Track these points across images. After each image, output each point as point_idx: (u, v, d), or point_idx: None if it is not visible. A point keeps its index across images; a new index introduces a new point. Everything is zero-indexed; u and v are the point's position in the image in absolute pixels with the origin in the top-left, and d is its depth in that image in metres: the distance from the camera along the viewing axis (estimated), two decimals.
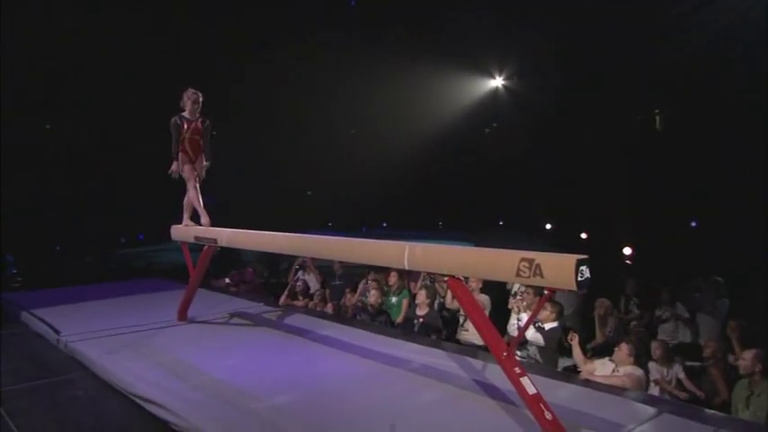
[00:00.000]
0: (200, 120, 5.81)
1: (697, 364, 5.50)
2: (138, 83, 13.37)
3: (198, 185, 5.87)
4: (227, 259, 9.65)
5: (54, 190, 13.95)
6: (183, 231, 5.99)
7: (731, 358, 5.29)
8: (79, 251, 13.96)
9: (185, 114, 5.74)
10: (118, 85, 13.35)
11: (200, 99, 5.72)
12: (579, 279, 2.81)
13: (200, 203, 5.84)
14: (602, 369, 4.83)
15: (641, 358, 5.03)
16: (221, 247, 5.66)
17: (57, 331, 5.60)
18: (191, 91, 5.71)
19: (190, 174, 5.84)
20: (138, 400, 4.00)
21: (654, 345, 5.28)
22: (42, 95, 12.08)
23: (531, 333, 5.28)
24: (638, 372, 4.69)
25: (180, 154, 5.78)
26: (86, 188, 14.56)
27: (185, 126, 5.74)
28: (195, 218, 5.97)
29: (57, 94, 12.73)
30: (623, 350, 4.75)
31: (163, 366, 4.54)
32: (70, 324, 5.78)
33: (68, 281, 8.71)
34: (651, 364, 5.14)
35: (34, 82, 11.33)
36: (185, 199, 5.98)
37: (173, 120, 5.74)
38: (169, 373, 4.36)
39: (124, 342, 5.24)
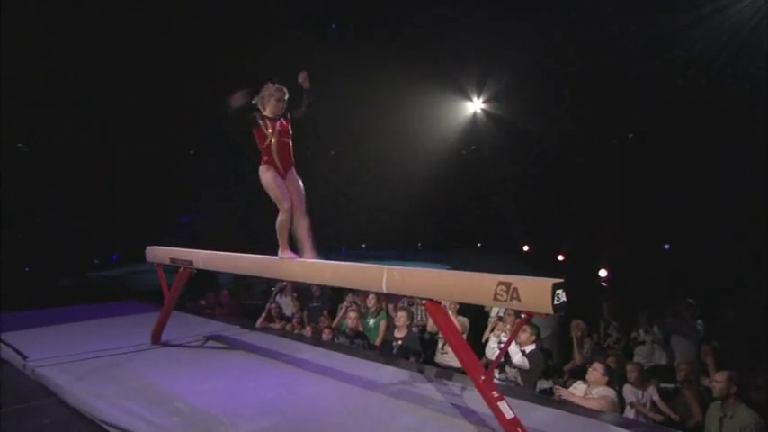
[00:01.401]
0: (285, 118, 4.53)
1: (671, 386, 5.56)
2: (110, 105, 13.23)
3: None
4: (204, 281, 9.51)
5: (23, 210, 13.63)
6: (159, 253, 5.90)
7: (705, 380, 5.37)
8: (50, 272, 13.63)
9: (267, 114, 4.48)
10: (90, 106, 13.17)
11: (287, 97, 4.49)
12: (555, 303, 2.86)
13: (285, 233, 4.51)
14: (575, 391, 4.86)
15: (614, 378, 5.09)
16: (197, 269, 5.59)
17: (23, 356, 5.42)
18: (273, 87, 4.46)
19: (279, 190, 4.44)
20: (109, 428, 3.88)
21: (629, 367, 5.34)
22: (12, 114, 11.82)
23: (518, 358, 5.32)
24: (612, 393, 4.74)
25: (263, 166, 4.48)
26: (58, 208, 14.26)
27: (269, 127, 4.44)
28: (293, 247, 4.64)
29: (27, 112, 12.50)
30: (597, 370, 4.81)
31: (135, 392, 4.42)
32: (38, 348, 5.60)
33: (38, 303, 8.47)
34: (626, 387, 5.19)
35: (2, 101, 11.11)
36: (278, 222, 4.53)
37: (251, 116, 4.45)
38: (142, 399, 4.25)
39: (95, 367, 5.10)
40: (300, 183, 4.61)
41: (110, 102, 13.19)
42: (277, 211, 4.52)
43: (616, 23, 11.19)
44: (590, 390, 4.79)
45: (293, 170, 4.59)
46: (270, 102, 4.45)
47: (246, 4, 12.51)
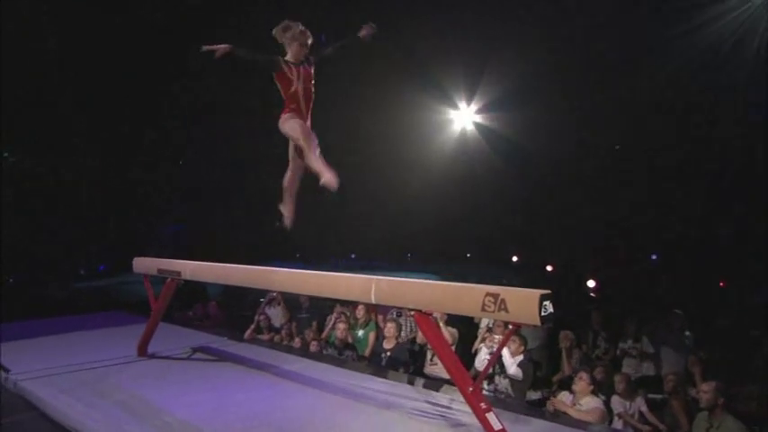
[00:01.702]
0: (308, 62, 4.26)
1: (659, 396, 5.58)
2: (95, 112, 13.15)
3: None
4: (192, 292, 9.44)
5: (7, 219, 13.46)
6: (147, 264, 5.85)
7: (693, 391, 5.39)
8: (35, 283, 13.45)
9: (289, 59, 4.20)
10: (74, 112, 13.08)
11: (310, 42, 4.24)
12: (543, 314, 2.87)
13: (321, 161, 4.09)
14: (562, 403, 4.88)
15: (602, 387, 5.10)
16: (185, 280, 5.54)
17: (5, 369, 5.31)
18: (297, 29, 4.18)
19: (307, 135, 4.14)
20: None
21: (617, 378, 5.36)
22: None
23: (513, 369, 5.33)
24: (601, 405, 4.75)
25: (288, 114, 4.22)
26: (43, 217, 14.11)
27: (292, 71, 4.16)
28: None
29: (12, 121, 12.38)
30: (583, 380, 4.82)
31: (121, 405, 4.36)
32: (21, 361, 5.50)
33: (22, 314, 8.35)
34: (614, 398, 5.20)
35: None
36: (287, 176, 4.45)
37: (274, 58, 4.16)
38: (127, 413, 4.19)
39: (79, 380, 5.02)
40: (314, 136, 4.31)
41: (97, 111, 13.14)
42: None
43: (604, 36, 11.35)
44: (577, 399, 4.80)
45: (309, 120, 4.35)
46: (292, 46, 4.19)
47: (234, 14, 12.53)
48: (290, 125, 4.20)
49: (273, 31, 4.25)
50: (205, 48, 4.09)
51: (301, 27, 4.20)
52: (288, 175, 4.46)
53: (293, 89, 4.17)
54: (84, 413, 4.16)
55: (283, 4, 12.87)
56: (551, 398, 4.99)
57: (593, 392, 4.82)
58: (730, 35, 10.35)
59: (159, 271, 5.64)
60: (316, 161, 4.10)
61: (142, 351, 5.92)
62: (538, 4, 11.60)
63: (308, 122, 4.31)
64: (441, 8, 12.47)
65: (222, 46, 4.05)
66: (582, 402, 4.72)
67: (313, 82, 4.30)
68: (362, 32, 4.33)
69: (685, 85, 11.19)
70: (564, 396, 4.95)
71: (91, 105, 12.89)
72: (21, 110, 12.05)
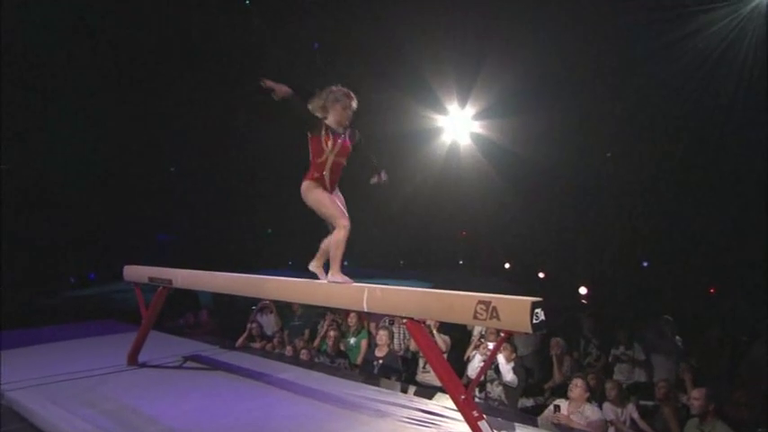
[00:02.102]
0: (348, 133, 3.98)
1: (651, 403, 5.61)
2: (85, 117, 13.09)
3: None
4: (184, 300, 9.38)
5: None
6: (137, 272, 5.82)
7: (683, 397, 5.42)
8: (24, 291, 13.32)
9: (330, 123, 3.93)
10: (63, 119, 13.02)
11: (355, 105, 3.95)
12: (534, 321, 2.88)
13: (341, 253, 3.92)
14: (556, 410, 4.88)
15: (593, 394, 5.12)
16: (176, 288, 5.51)
17: None
18: (340, 91, 3.90)
19: (333, 206, 3.90)
20: None
21: (608, 385, 5.38)
22: None
23: (510, 376, 5.34)
24: (599, 415, 4.74)
25: (310, 182, 3.93)
26: (32, 224, 13.97)
27: (330, 141, 3.87)
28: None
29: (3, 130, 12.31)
30: (579, 386, 4.82)
31: (110, 415, 4.32)
32: (9, 371, 5.44)
33: (10, 324, 8.25)
34: (606, 405, 5.22)
35: None
36: (335, 241, 3.92)
37: (317, 120, 3.87)
38: (117, 423, 4.15)
39: (68, 390, 4.97)
40: (342, 198, 4.07)
41: (88, 119, 13.09)
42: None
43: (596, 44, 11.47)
44: (573, 407, 4.80)
45: (337, 188, 4.06)
46: (335, 108, 3.88)
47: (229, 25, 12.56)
48: (315, 196, 3.92)
49: (310, 104, 3.91)
50: (266, 84, 3.78)
51: (345, 89, 3.92)
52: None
53: (323, 159, 3.88)
54: (72, 424, 4.12)
55: (279, 16, 13.01)
56: (555, 412, 4.95)
57: (589, 400, 4.82)
58: (720, 43, 10.52)
59: (150, 279, 5.61)
60: (338, 245, 3.85)
61: (132, 360, 5.87)
62: (530, 9, 11.68)
63: (336, 192, 4.02)
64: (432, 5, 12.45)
65: (283, 88, 3.76)
66: (580, 410, 4.71)
67: (347, 156, 3.98)
68: (374, 180, 4.20)
69: (677, 92, 11.32)
70: (560, 403, 4.95)
71: (82, 111, 12.84)
72: (9, 116, 11.97)
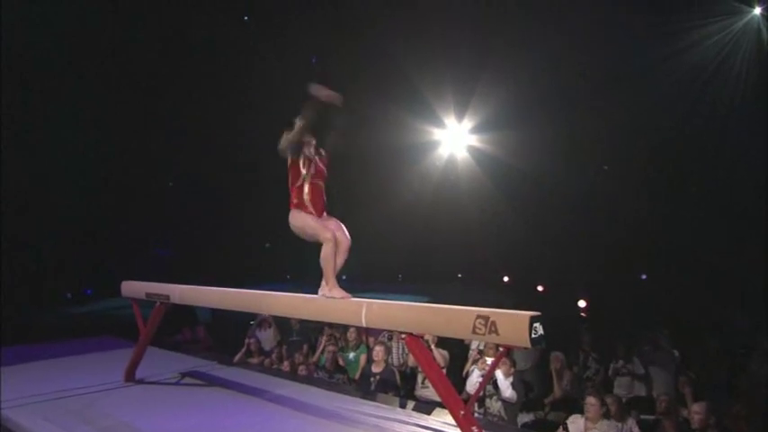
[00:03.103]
0: (324, 156, 4.08)
1: (651, 417, 5.57)
2: (83, 131, 13.11)
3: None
4: (180, 316, 9.34)
5: None
6: (135, 287, 5.80)
7: (684, 412, 5.39)
8: (21, 307, 13.25)
9: (310, 147, 4.00)
10: (62, 134, 13.03)
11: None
12: (533, 336, 2.88)
13: (333, 269, 3.96)
14: (573, 427, 4.83)
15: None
16: (174, 304, 5.49)
17: None
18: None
19: (317, 225, 3.94)
20: None
21: (608, 400, 5.33)
22: None
23: (509, 392, 5.31)
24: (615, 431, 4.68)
25: (293, 210, 4.03)
26: (29, 240, 13.93)
27: (308, 165, 3.97)
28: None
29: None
30: (594, 404, 4.76)
31: None
32: (5, 389, 5.40)
33: (6, 341, 8.20)
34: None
35: None
36: (323, 255, 3.96)
37: (300, 147, 3.92)
38: None
39: (64, 407, 4.93)
40: (336, 220, 4.10)
41: (87, 133, 13.11)
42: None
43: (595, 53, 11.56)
44: (591, 424, 4.73)
45: (325, 213, 4.08)
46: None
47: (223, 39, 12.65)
48: (299, 221, 3.98)
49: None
50: (315, 89, 3.87)
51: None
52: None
53: (299, 184, 3.97)
54: None
55: (278, 30, 13.12)
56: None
57: (605, 415, 4.78)
58: (714, 57, 10.66)
59: (147, 295, 5.60)
60: (326, 261, 3.87)
61: (129, 376, 5.84)
62: (528, 21, 11.80)
63: (325, 215, 4.05)
64: (428, 20, 12.57)
65: (333, 94, 3.87)
66: (597, 427, 4.66)
67: (325, 179, 4.03)
68: (334, 140, 4.13)
69: (673, 105, 11.41)
70: (575, 420, 4.89)
71: (81, 124, 12.87)
72: (7, 129, 11.99)
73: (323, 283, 3.98)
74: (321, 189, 4.03)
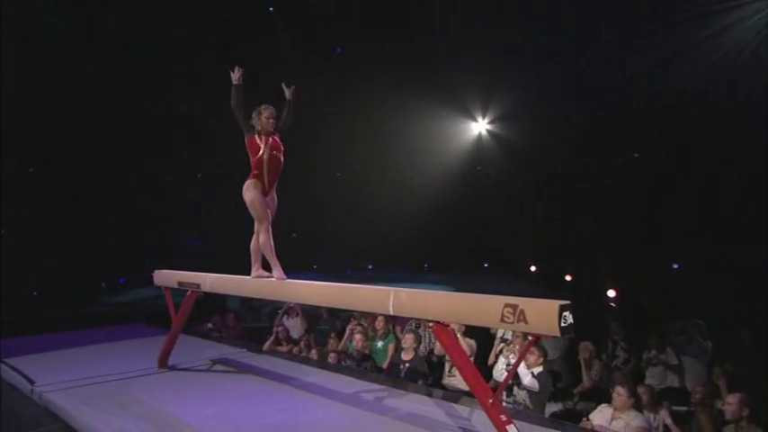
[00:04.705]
0: (278, 135, 4.70)
1: (684, 408, 5.47)
2: (116, 125, 13.37)
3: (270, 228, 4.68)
4: (211, 304, 9.50)
5: (28, 232, 13.64)
6: (167, 276, 5.92)
7: (719, 403, 5.28)
8: (57, 296, 13.65)
9: (259, 129, 4.63)
10: (94, 127, 13.31)
11: (275, 115, 4.69)
12: (563, 324, 2.84)
13: (273, 252, 4.65)
14: (599, 416, 4.76)
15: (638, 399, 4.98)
16: (205, 292, 5.59)
17: (31, 381, 5.42)
18: (263, 106, 4.66)
19: (262, 210, 4.62)
20: None
21: (640, 390, 5.24)
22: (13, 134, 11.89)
23: (528, 379, 5.27)
24: (642, 422, 4.60)
25: (251, 180, 4.60)
26: (63, 230, 14.28)
27: (261, 140, 4.56)
28: (266, 266, 4.81)
29: (28, 133, 12.59)
30: (622, 394, 4.67)
31: (142, 417, 4.41)
32: (45, 373, 5.61)
33: (45, 327, 8.48)
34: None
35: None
36: (253, 243, 4.78)
37: (249, 123, 4.59)
38: (148, 424, 4.24)
39: (102, 392, 5.09)
40: (276, 200, 4.78)
41: (115, 122, 13.36)
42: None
43: (618, 46, 11.34)
44: (618, 415, 4.66)
45: (274, 189, 4.74)
46: (260, 119, 4.60)
47: (251, 29, 12.71)
48: (251, 197, 4.57)
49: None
50: (232, 68, 4.60)
51: (266, 104, 4.65)
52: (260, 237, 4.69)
53: (259, 155, 4.55)
54: (105, 424, 4.21)
55: (303, 22, 13.18)
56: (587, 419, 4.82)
57: (635, 406, 4.69)
58: (737, 45, 10.32)
59: (179, 284, 5.71)
60: (265, 247, 4.60)
61: (163, 363, 5.99)
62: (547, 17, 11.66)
63: (273, 192, 4.73)
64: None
65: (238, 73, 4.59)
66: (624, 416, 4.59)
67: (283, 150, 4.66)
68: (290, 96, 4.79)
69: (703, 92, 11.09)
70: (603, 409, 4.83)
71: (107, 117, 13.12)
72: (34, 118, 12.28)
73: (254, 266, 4.77)
74: (279, 162, 4.64)
